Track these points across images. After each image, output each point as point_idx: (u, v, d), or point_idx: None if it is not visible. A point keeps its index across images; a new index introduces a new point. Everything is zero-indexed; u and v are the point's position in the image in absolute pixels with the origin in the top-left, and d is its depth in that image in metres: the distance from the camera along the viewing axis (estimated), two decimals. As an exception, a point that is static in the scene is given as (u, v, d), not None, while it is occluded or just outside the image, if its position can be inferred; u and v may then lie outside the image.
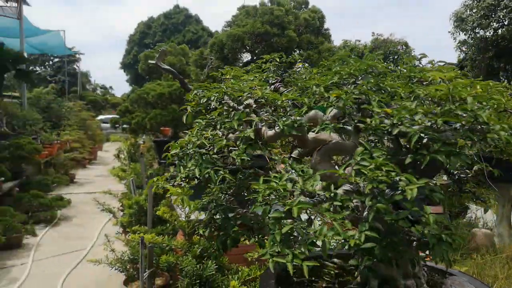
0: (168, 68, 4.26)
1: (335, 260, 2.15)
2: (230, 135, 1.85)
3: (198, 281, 2.85)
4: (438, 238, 1.43)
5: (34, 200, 7.46)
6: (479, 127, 1.43)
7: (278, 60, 2.30)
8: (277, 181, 1.50)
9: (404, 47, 19.55)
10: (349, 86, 1.75)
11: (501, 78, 17.37)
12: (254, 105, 1.88)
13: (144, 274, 4.07)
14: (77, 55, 25.83)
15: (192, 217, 3.68)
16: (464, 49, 18.39)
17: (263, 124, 1.83)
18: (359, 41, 20.21)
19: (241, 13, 8.64)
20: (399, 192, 1.40)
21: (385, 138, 1.60)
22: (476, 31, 17.16)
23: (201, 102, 1.89)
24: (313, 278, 2.06)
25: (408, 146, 1.59)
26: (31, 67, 24.63)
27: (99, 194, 7.18)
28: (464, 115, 1.43)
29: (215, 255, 3.19)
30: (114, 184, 8.92)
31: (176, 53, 8.37)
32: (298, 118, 1.75)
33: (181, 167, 1.67)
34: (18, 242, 6.51)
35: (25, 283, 5.33)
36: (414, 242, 1.63)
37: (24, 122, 10.67)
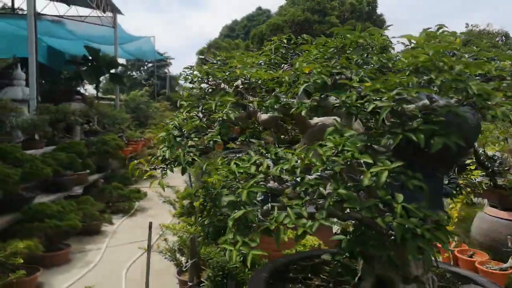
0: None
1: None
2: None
3: (221, 272, 2.82)
4: (413, 232, 1.20)
5: (114, 191, 8.13)
6: (471, 100, 1.17)
7: (285, 41, 2.17)
8: (240, 163, 1.39)
9: (504, 38, 17.42)
10: (332, 61, 1.56)
11: None
12: (241, 86, 1.78)
13: (187, 264, 4.17)
14: (168, 60, 27.72)
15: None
16: None
17: (252, 107, 1.73)
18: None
19: (288, 2, 8.41)
20: (371, 177, 1.20)
21: (364, 116, 1.40)
22: None
23: (186, 82, 1.85)
24: (309, 275, 1.89)
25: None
26: (128, 72, 27.03)
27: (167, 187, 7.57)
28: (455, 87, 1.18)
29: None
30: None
31: (230, 48, 8.49)
32: (283, 98, 1.61)
33: (159, 150, 1.65)
34: (97, 229, 7.14)
35: (97, 266, 5.82)
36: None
37: (114, 121, 11.69)
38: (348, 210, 1.28)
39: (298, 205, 1.25)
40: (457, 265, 5.17)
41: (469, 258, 5.01)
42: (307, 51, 1.70)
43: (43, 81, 14.92)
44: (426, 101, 1.31)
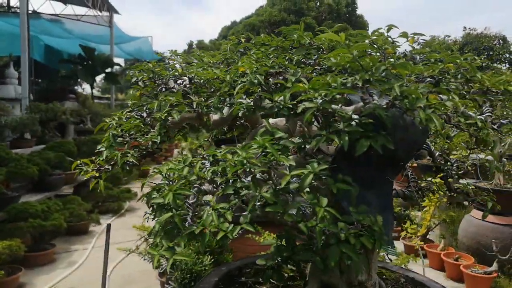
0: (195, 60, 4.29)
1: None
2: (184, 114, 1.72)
3: (188, 275, 2.78)
4: (338, 238, 1.16)
5: (104, 191, 8.10)
6: (397, 102, 1.13)
7: (243, 40, 2.13)
8: (171, 166, 1.35)
9: (501, 41, 17.32)
10: (270, 61, 1.52)
11: None
12: (188, 85, 1.74)
13: (163, 266, 4.13)
14: (166, 57, 27.67)
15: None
16: None
17: (197, 107, 1.69)
18: (449, 36, 18.41)
19: (268, 3, 8.37)
20: (294, 180, 1.16)
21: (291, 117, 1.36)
22: None
23: (133, 81, 1.82)
24: (260, 280, 1.85)
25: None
26: (126, 72, 27.09)
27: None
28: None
29: (218, 251, 3.10)
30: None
31: (215, 48, 8.46)
32: (229, 99, 1.58)
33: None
34: (85, 229, 7.11)
35: (81, 266, 5.78)
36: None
37: (108, 120, 11.61)
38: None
39: (224, 208, 1.22)
40: (443, 269, 5.13)
41: (454, 262, 4.97)
42: (251, 50, 1.66)
43: (39, 80, 14.93)
44: (361, 103, 1.27)
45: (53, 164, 7.44)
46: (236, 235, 1.16)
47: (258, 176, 1.36)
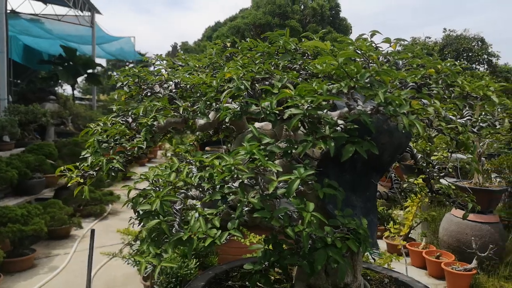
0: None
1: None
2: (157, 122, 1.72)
3: (173, 279, 2.77)
4: (325, 242, 1.18)
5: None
6: (381, 108, 1.15)
7: (229, 45, 2.14)
8: (157, 171, 1.35)
9: (480, 43, 17.74)
10: (257, 67, 1.54)
11: None
12: (174, 90, 1.74)
13: (147, 270, 4.10)
14: (149, 61, 27.40)
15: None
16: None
17: (183, 112, 1.68)
18: (429, 38, 18.78)
19: (253, 5, 8.40)
20: (281, 185, 1.18)
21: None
22: None
23: (118, 86, 1.80)
24: (246, 283, 1.86)
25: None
26: (108, 72, 26.65)
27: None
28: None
29: (203, 254, 3.09)
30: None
31: (199, 50, 8.44)
32: (215, 103, 1.58)
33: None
34: (66, 233, 6.99)
35: (62, 271, 5.68)
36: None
37: (89, 121, 11.48)
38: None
39: (211, 214, 1.22)
40: (425, 267, 5.23)
41: (436, 260, 5.07)
42: (236, 56, 1.67)
43: (18, 81, 14.60)
44: (346, 109, 1.29)
45: (33, 167, 7.29)
46: (224, 240, 1.16)
47: (245, 181, 1.37)
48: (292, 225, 1.20)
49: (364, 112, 1.19)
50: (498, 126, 1.61)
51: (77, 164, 1.69)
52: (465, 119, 1.61)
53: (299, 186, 1.19)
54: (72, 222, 6.99)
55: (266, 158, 1.19)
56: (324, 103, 1.20)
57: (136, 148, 1.54)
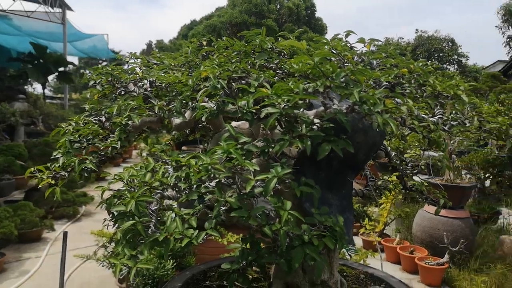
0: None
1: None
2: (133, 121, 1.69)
3: (150, 281, 2.73)
4: (302, 240, 1.18)
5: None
6: (356, 107, 1.17)
7: (205, 43, 2.12)
8: (132, 172, 1.33)
9: (450, 44, 18.32)
10: (233, 65, 1.53)
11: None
12: (149, 89, 1.71)
13: (122, 272, 4.03)
14: (123, 59, 26.88)
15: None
16: (513, 45, 16.84)
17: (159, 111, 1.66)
18: (402, 38, 19.25)
19: (229, 4, 8.42)
20: (258, 184, 1.18)
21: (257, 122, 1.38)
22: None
23: (90, 85, 1.76)
24: (224, 283, 1.86)
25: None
26: (81, 70, 26.03)
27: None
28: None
29: (181, 254, 3.06)
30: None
31: (174, 49, 8.38)
32: (191, 102, 1.56)
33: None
34: (38, 236, 6.78)
35: (34, 275, 5.51)
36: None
37: (61, 121, 11.17)
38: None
39: (188, 214, 1.21)
40: (399, 263, 5.35)
41: (409, 255, 5.19)
42: (213, 55, 1.66)
43: (-16, 79, 14.06)
44: (322, 108, 1.31)
45: (2, 169, 7.04)
46: (201, 240, 1.15)
47: (223, 181, 1.36)
48: (269, 223, 1.20)
49: (340, 111, 1.21)
50: (468, 125, 1.66)
51: (48, 165, 1.64)
52: (436, 117, 1.66)
53: (276, 185, 1.19)
54: (44, 224, 6.80)
55: (243, 157, 1.19)
56: (300, 102, 1.21)
57: (110, 148, 1.51)
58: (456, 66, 17.72)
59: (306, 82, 1.27)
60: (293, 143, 1.21)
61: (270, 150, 1.26)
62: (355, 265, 2.14)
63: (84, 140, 1.55)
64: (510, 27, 16.23)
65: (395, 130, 1.16)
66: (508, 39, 16.77)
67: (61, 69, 13.29)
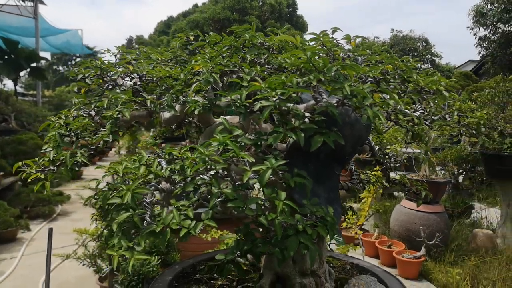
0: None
1: (249, 256, 1.97)
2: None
3: (135, 277, 2.72)
4: (296, 229, 1.22)
5: (32, 195, 7.58)
6: (347, 101, 1.21)
7: (192, 38, 2.13)
8: (125, 164, 1.33)
9: (424, 43, 18.85)
10: (225, 60, 1.56)
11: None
12: (139, 83, 1.72)
13: (105, 270, 3.98)
14: (98, 55, 26.37)
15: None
16: (484, 45, 17.48)
17: (150, 105, 1.66)
18: (378, 38, 19.67)
19: (211, 0, 8.43)
20: (252, 176, 1.21)
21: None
22: (497, 26, 16.28)
23: (78, 79, 1.75)
24: (215, 275, 1.88)
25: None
26: (54, 66, 25.33)
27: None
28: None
29: (165, 251, 3.05)
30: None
31: (155, 44, 8.31)
32: (182, 96, 1.57)
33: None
34: (13, 236, 6.61)
35: (10, 277, 5.38)
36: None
37: (34, 119, 10.90)
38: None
39: (185, 206, 1.23)
40: (378, 256, 5.48)
41: (387, 249, 5.33)
42: (204, 49, 1.68)
43: (-48, 75, 13.54)
44: (313, 101, 1.35)
45: (-26, 168, 6.81)
46: (198, 231, 1.17)
47: (219, 173, 1.38)
48: (264, 214, 1.23)
49: (331, 104, 1.25)
50: (448, 119, 1.74)
51: (37, 159, 1.62)
52: (418, 112, 1.73)
53: (271, 176, 1.22)
54: (19, 224, 6.63)
55: (239, 149, 1.22)
56: (294, 95, 1.25)
57: (101, 142, 1.50)
58: (429, 65, 18.27)
59: (297, 77, 1.30)
60: (286, 136, 1.24)
61: (263, 142, 1.29)
62: (341, 256, 2.20)
63: (73, 134, 1.54)
64: (480, 28, 16.85)
65: (384, 122, 1.21)
66: (479, 40, 17.41)
67: (34, 65, 12.92)
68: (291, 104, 1.24)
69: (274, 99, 1.23)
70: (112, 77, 1.75)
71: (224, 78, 1.52)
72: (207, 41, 1.77)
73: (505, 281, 4.52)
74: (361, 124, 1.64)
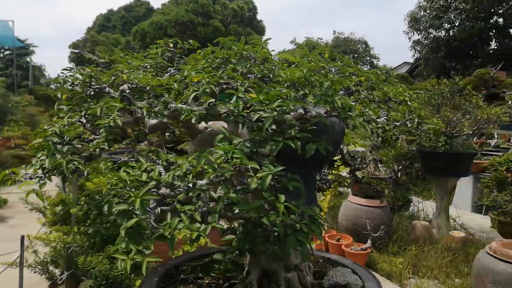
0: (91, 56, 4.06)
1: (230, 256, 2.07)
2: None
3: (104, 282, 2.70)
4: (294, 228, 1.36)
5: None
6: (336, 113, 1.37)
7: (171, 45, 2.19)
8: (130, 171, 1.38)
9: (363, 45, 19.99)
10: (220, 71, 1.66)
11: (452, 77, 18.14)
12: (128, 91, 1.75)
13: (62, 276, 3.86)
14: (30, 48, 24.65)
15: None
16: (418, 49, 19.00)
17: (140, 112, 1.71)
18: (321, 39, 20.50)
19: (171, 1, 8.42)
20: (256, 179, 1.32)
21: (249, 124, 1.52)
22: (429, 31, 17.76)
23: (66, 86, 1.75)
24: (200, 275, 1.97)
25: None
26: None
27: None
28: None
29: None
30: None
31: (108, 43, 8.09)
32: (172, 104, 1.64)
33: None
34: None
35: None
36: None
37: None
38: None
39: (191, 210, 1.31)
40: (327, 250, 5.79)
41: (336, 242, 5.65)
42: (195, 59, 1.75)
43: None
44: (302, 111, 1.49)
45: None
46: (208, 233, 1.26)
47: (217, 179, 1.48)
48: (267, 215, 1.35)
49: (322, 115, 1.40)
50: (409, 125, 1.97)
51: (23, 167, 1.60)
52: (382, 119, 1.94)
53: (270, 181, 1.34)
54: (-49, 232, 6.11)
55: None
56: (292, 107, 1.37)
57: (97, 150, 1.53)
58: (368, 67, 19.43)
59: (294, 91, 1.44)
60: (280, 143, 1.37)
61: (263, 149, 1.41)
62: (313, 251, 2.38)
63: (65, 142, 1.54)
64: (415, 32, 18.27)
65: (368, 131, 1.39)
66: (413, 43, 18.87)
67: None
68: (290, 116, 1.37)
69: (275, 112, 1.35)
70: (102, 85, 1.76)
71: (216, 88, 1.61)
72: (203, 53, 1.84)
73: (441, 268, 5.02)
74: (336, 130, 1.81)
